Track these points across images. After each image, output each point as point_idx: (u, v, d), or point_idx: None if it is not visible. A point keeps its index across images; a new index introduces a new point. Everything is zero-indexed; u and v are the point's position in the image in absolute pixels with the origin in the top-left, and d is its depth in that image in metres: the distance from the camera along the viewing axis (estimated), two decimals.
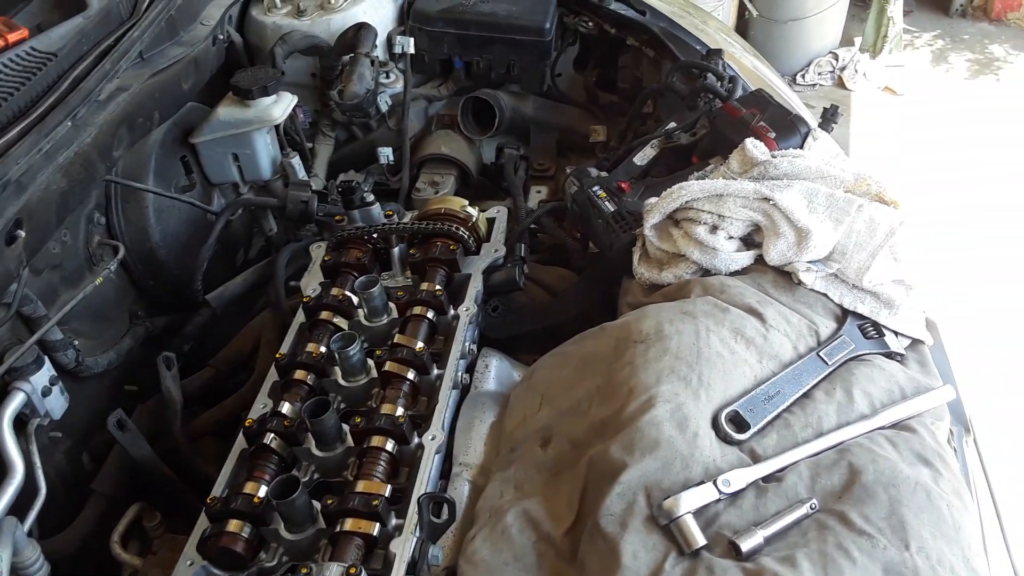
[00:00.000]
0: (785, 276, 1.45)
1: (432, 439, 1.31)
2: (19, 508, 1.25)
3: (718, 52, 2.09)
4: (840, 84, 5.33)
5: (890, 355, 1.37)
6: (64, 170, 1.45)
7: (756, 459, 1.19)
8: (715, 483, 1.13)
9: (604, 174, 1.87)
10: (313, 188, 1.96)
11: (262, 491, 1.23)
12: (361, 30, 2.16)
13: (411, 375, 1.40)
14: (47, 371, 1.40)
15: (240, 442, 1.37)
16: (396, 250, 1.68)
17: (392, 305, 1.56)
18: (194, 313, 1.86)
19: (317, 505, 1.23)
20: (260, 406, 1.43)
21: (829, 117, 1.83)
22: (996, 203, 4.28)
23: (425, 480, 1.26)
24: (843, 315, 1.41)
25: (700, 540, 1.07)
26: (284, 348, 1.53)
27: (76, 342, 1.54)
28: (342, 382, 1.43)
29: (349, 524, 1.18)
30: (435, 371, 1.44)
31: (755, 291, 1.42)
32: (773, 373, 1.29)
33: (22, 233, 1.35)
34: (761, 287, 1.44)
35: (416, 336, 1.46)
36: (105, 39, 1.70)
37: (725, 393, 1.25)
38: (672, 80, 2.07)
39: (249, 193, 2.05)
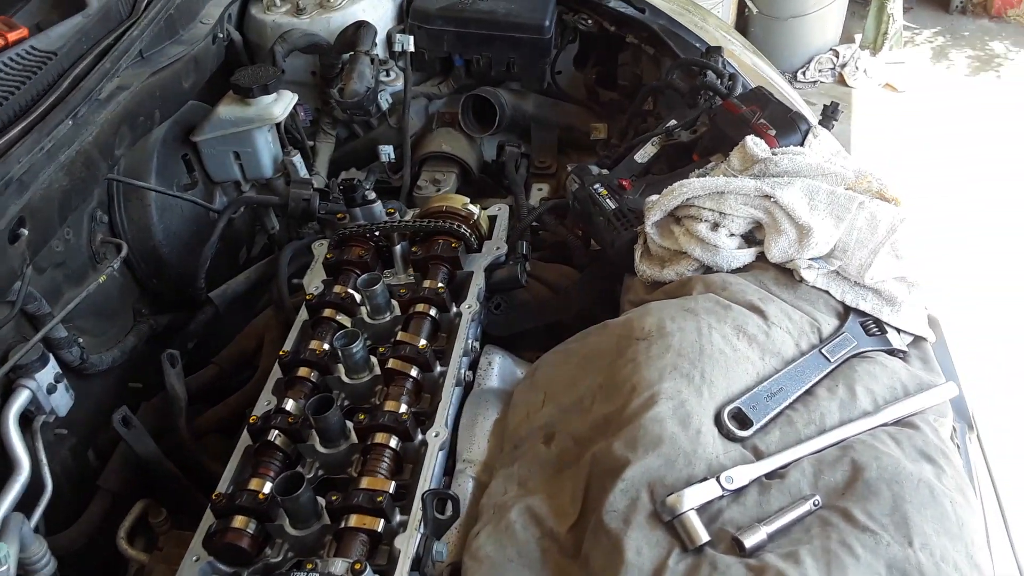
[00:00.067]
0: (787, 273, 1.45)
1: (436, 436, 1.32)
2: (25, 504, 1.26)
3: (718, 49, 2.09)
4: (841, 81, 5.33)
5: (892, 352, 1.38)
6: (66, 168, 1.45)
7: (759, 456, 1.19)
8: (718, 480, 1.13)
9: (605, 172, 1.87)
10: (315, 186, 1.96)
11: (267, 488, 1.24)
12: (361, 28, 2.16)
13: (414, 372, 1.40)
14: (52, 368, 1.40)
15: (245, 439, 1.37)
16: (398, 248, 1.68)
17: (395, 302, 1.56)
18: (197, 311, 1.87)
19: (322, 501, 1.24)
20: (264, 403, 1.43)
21: (830, 114, 1.83)
22: (997, 200, 4.28)
23: (429, 477, 1.27)
24: (845, 312, 1.41)
25: (704, 536, 1.08)
26: (287, 345, 1.54)
27: (80, 340, 1.55)
28: (345, 379, 1.44)
29: (354, 520, 1.18)
30: (438, 368, 1.44)
31: (757, 288, 1.43)
32: (775, 370, 1.30)
33: (25, 231, 1.36)
34: (763, 284, 1.44)
35: (419, 333, 1.46)
36: (105, 38, 1.71)
37: (728, 390, 1.25)
38: (672, 78, 2.07)
39: (251, 191, 2.05)
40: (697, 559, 1.07)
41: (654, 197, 1.57)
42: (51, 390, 1.40)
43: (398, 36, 2.24)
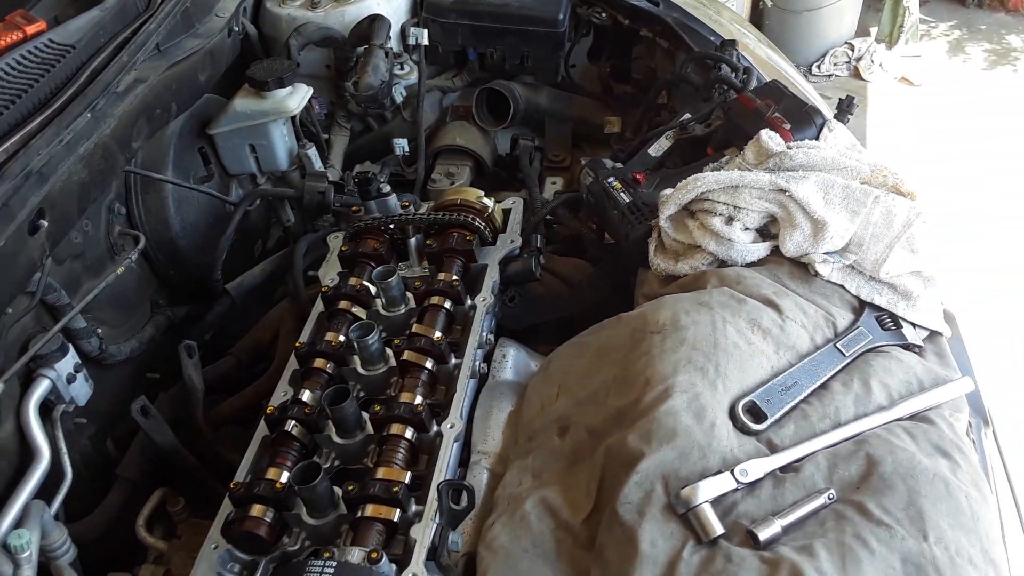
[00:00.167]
0: (801, 267, 1.45)
1: (451, 427, 1.33)
2: (46, 492, 1.28)
3: (732, 43, 2.08)
4: (856, 75, 5.29)
5: (908, 347, 1.37)
6: (85, 161, 1.47)
7: (773, 449, 1.19)
8: (732, 473, 1.13)
9: (619, 165, 1.87)
10: (330, 179, 1.97)
11: (284, 477, 1.25)
12: (375, 21, 2.17)
13: (429, 364, 1.41)
14: (71, 358, 1.42)
15: (262, 429, 1.39)
16: (413, 240, 1.69)
17: (409, 295, 1.57)
18: (214, 302, 1.89)
19: (338, 491, 1.25)
20: (281, 394, 1.45)
21: (845, 108, 1.82)
22: (1014, 194, 4.25)
23: (444, 467, 1.28)
24: (860, 307, 1.41)
25: (718, 529, 1.08)
26: (304, 337, 1.55)
27: (99, 330, 1.56)
28: (361, 371, 1.45)
29: (370, 510, 1.19)
30: (453, 360, 1.45)
31: (771, 282, 1.42)
32: (790, 364, 1.30)
33: (45, 223, 1.37)
34: (777, 278, 1.44)
35: (434, 326, 1.47)
36: (122, 31, 1.72)
37: (742, 384, 1.26)
38: (686, 71, 2.06)
39: (266, 184, 2.07)
40: (711, 551, 1.07)
41: (668, 191, 1.57)
42: (71, 380, 1.42)
43: (412, 29, 2.25)
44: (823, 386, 1.28)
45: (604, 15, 2.32)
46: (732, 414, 1.22)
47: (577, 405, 1.34)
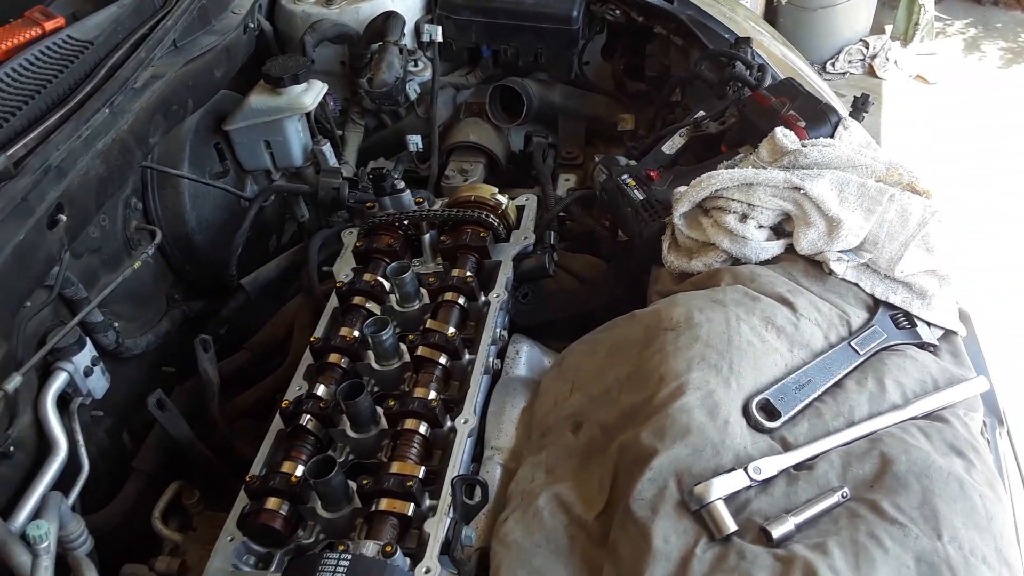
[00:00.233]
0: (816, 265, 1.45)
1: (464, 423, 1.33)
2: (63, 484, 1.29)
3: (747, 40, 2.07)
4: (871, 72, 5.26)
5: (923, 346, 1.37)
6: (103, 156, 1.48)
7: (787, 447, 1.19)
8: (746, 470, 1.13)
9: (633, 162, 1.87)
10: (344, 175, 1.98)
11: (299, 471, 1.26)
12: (389, 18, 2.17)
13: (443, 360, 1.42)
14: (89, 352, 1.44)
15: (277, 423, 1.40)
16: (427, 237, 1.69)
17: (423, 291, 1.58)
18: (229, 297, 1.90)
19: (352, 485, 1.26)
20: (296, 388, 1.46)
21: (860, 106, 1.82)
22: None
23: (458, 462, 1.29)
24: (875, 305, 1.40)
25: (731, 526, 1.08)
26: (318, 332, 1.56)
27: (116, 324, 1.58)
28: (375, 366, 1.46)
29: (384, 504, 1.20)
30: (466, 356, 1.45)
31: (786, 280, 1.42)
32: (804, 362, 1.29)
33: (63, 217, 1.39)
34: (792, 276, 1.44)
35: (448, 322, 1.48)
36: (139, 28, 1.74)
37: (756, 381, 1.25)
38: (701, 68, 2.06)
39: (281, 180, 2.08)
40: (724, 548, 1.07)
41: (682, 188, 1.57)
42: (88, 373, 1.44)
43: (426, 26, 2.25)
44: (837, 384, 1.27)
45: (618, 12, 2.32)
46: (746, 412, 1.22)
47: (590, 401, 1.34)
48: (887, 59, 5.24)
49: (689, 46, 2.20)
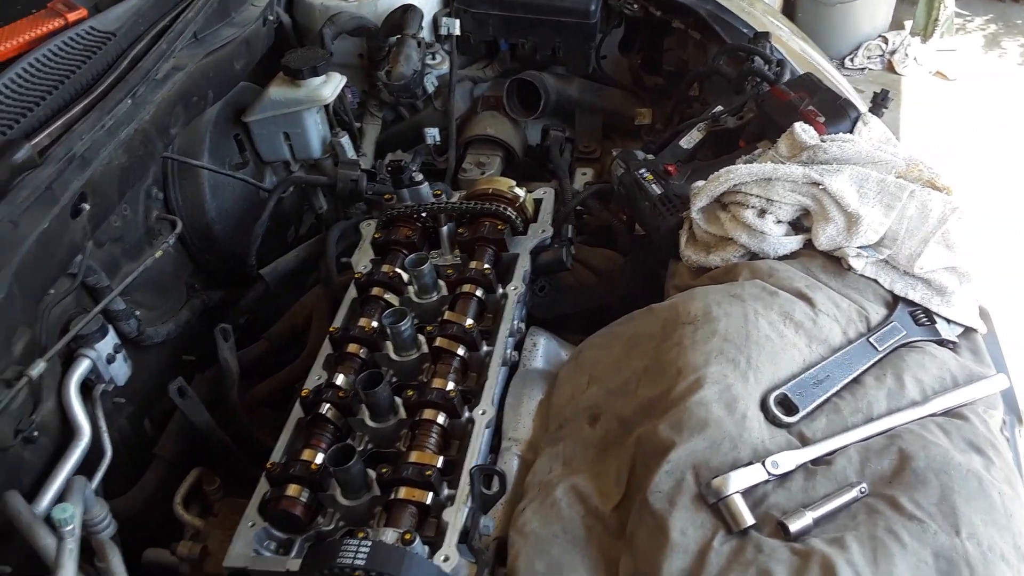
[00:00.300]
0: (835, 261, 1.44)
1: (482, 413, 1.34)
2: (86, 469, 1.31)
3: (765, 35, 2.06)
4: (890, 68, 5.22)
5: (942, 342, 1.36)
6: (125, 146, 1.50)
7: (805, 442, 1.19)
8: (764, 464, 1.13)
9: (650, 157, 1.87)
10: (362, 167, 1.99)
11: (319, 458, 1.28)
12: (408, 11, 2.18)
13: (461, 351, 1.43)
14: (111, 339, 1.46)
15: (297, 411, 1.41)
16: (444, 229, 1.70)
17: (442, 283, 1.58)
18: (248, 287, 1.91)
19: (372, 474, 1.27)
20: (315, 377, 1.47)
21: (879, 102, 1.81)
22: None
23: (476, 453, 1.30)
24: (894, 301, 1.40)
25: (749, 519, 1.08)
26: (336, 322, 1.57)
27: (137, 312, 1.59)
28: (394, 356, 1.47)
29: (403, 492, 1.21)
30: (484, 348, 1.46)
31: (804, 275, 1.42)
32: (822, 357, 1.29)
33: (86, 206, 1.40)
34: (810, 272, 1.43)
35: (466, 313, 1.48)
36: (160, 19, 1.75)
37: (774, 376, 1.25)
38: (719, 63, 2.05)
39: (300, 171, 2.09)
40: (742, 541, 1.08)
41: (700, 183, 1.57)
42: (110, 360, 1.46)
43: (444, 19, 2.26)
44: (856, 380, 1.27)
45: (636, 6, 2.32)
46: (763, 406, 1.22)
47: (608, 394, 1.35)
48: (906, 55, 5.19)
49: (707, 41, 2.19)
